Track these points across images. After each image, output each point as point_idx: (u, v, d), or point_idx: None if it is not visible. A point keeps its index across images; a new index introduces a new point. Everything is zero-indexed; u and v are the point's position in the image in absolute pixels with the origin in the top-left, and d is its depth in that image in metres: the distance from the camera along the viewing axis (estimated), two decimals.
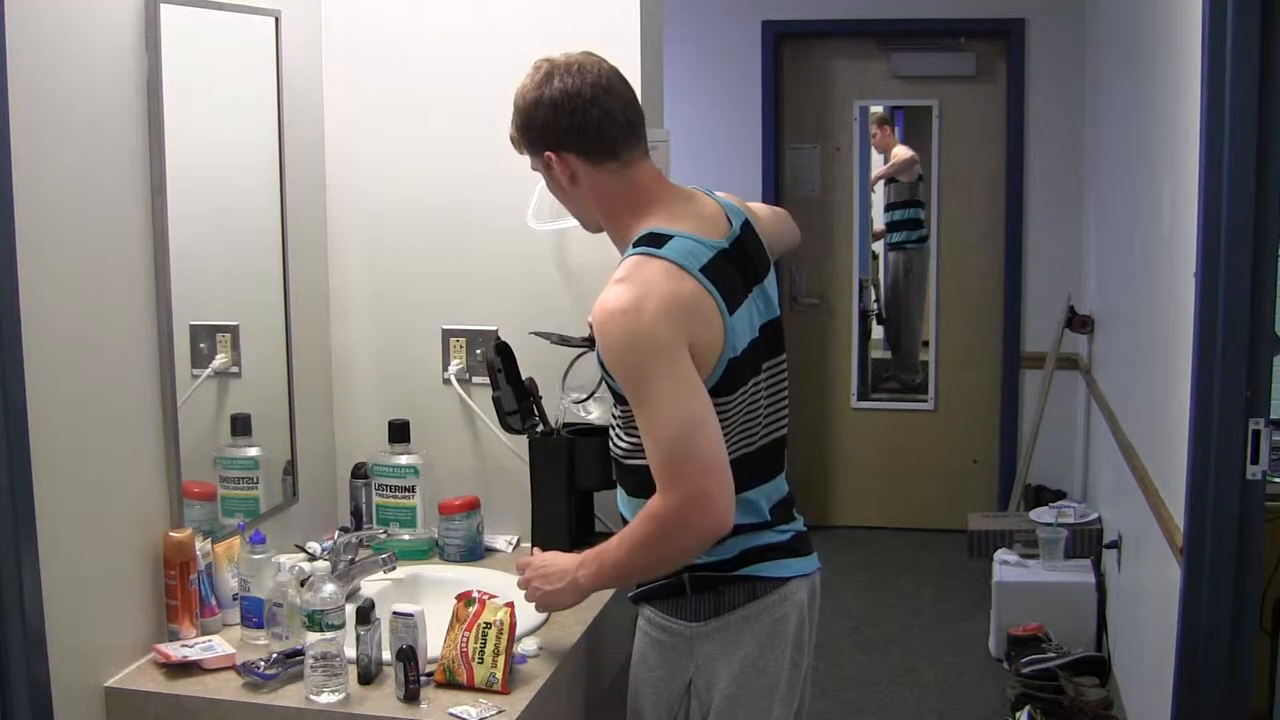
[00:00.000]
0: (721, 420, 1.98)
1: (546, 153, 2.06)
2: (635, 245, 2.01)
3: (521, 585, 2.19)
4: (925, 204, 6.13)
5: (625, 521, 2.12)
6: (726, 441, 1.99)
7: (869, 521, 6.02)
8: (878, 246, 6.47)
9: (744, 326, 2.04)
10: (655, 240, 2.00)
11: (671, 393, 1.92)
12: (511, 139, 2.12)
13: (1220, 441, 2.54)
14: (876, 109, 6.10)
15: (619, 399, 2.06)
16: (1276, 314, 2.59)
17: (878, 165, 6.29)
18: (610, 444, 2.16)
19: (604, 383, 2.09)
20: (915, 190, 6.20)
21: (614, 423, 2.14)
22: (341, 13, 2.78)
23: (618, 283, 1.96)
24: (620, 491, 2.17)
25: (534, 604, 2.18)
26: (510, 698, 2.07)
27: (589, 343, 2.40)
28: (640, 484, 2.05)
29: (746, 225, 2.13)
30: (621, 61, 2.62)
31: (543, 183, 2.64)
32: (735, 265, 2.06)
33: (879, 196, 6.37)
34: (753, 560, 2.10)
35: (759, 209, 2.30)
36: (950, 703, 4.25)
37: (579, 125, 2.03)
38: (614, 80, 2.06)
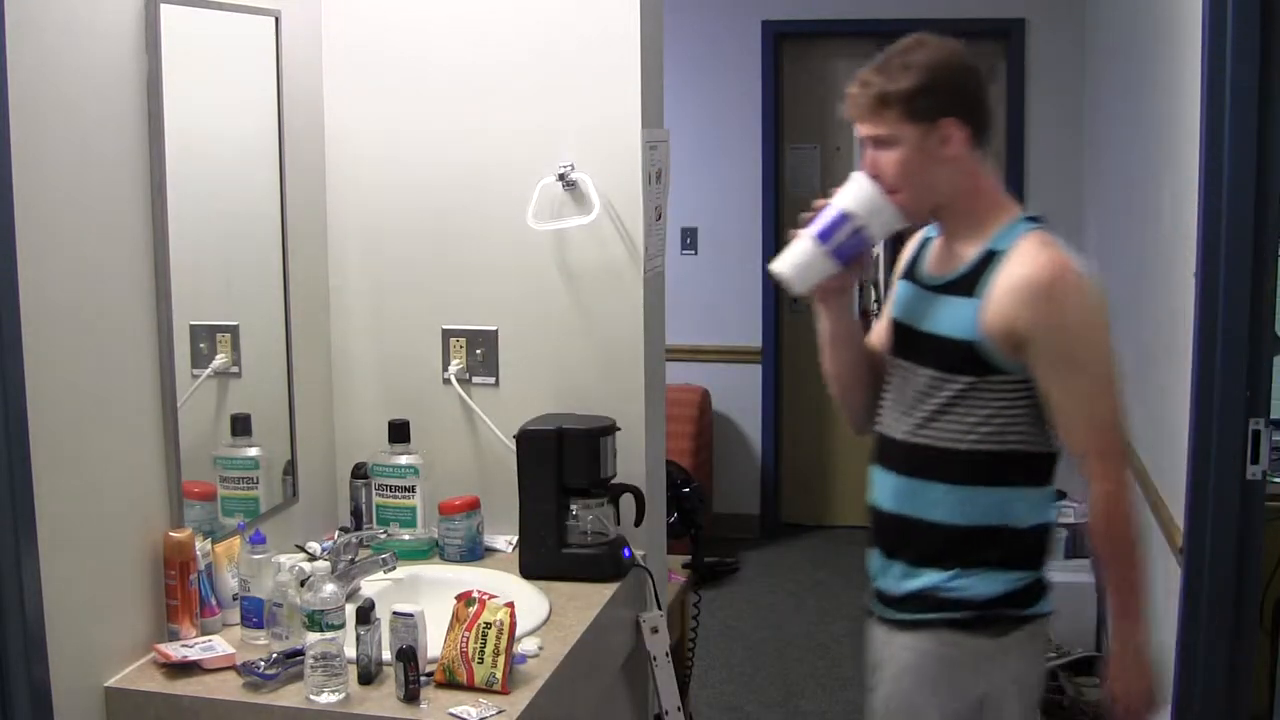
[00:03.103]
0: None
1: (945, 119, 2.01)
2: (1029, 222, 2.04)
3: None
4: None
5: (928, 526, 2.06)
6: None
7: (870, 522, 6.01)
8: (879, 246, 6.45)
9: None
10: (1043, 223, 2.05)
11: (1108, 360, 1.98)
12: (877, 99, 2.01)
13: (1220, 441, 2.54)
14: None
15: (978, 371, 1.99)
16: (1276, 314, 2.59)
17: None
18: (928, 430, 2.05)
19: (945, 356, 2.02)
20: None
21: (937, 402, 2.03)
22: (341, 13, 2.78)
23: (1047, 248, 1.98)
24: (930, 488, 2.06)
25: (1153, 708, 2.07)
26: (510, 698, 2.07)
27: None
28: (976, 470, 2.02)
29: None
30: (622, 61, 2.65)
31: (543, 182, 2.67)
32: None
33: None
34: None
35: None
36: None
37: (983, 103, 2.10)
38: None
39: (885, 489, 2.13)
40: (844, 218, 2.09)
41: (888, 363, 2.16)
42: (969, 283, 2.01)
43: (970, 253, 2.03)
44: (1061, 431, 1.99)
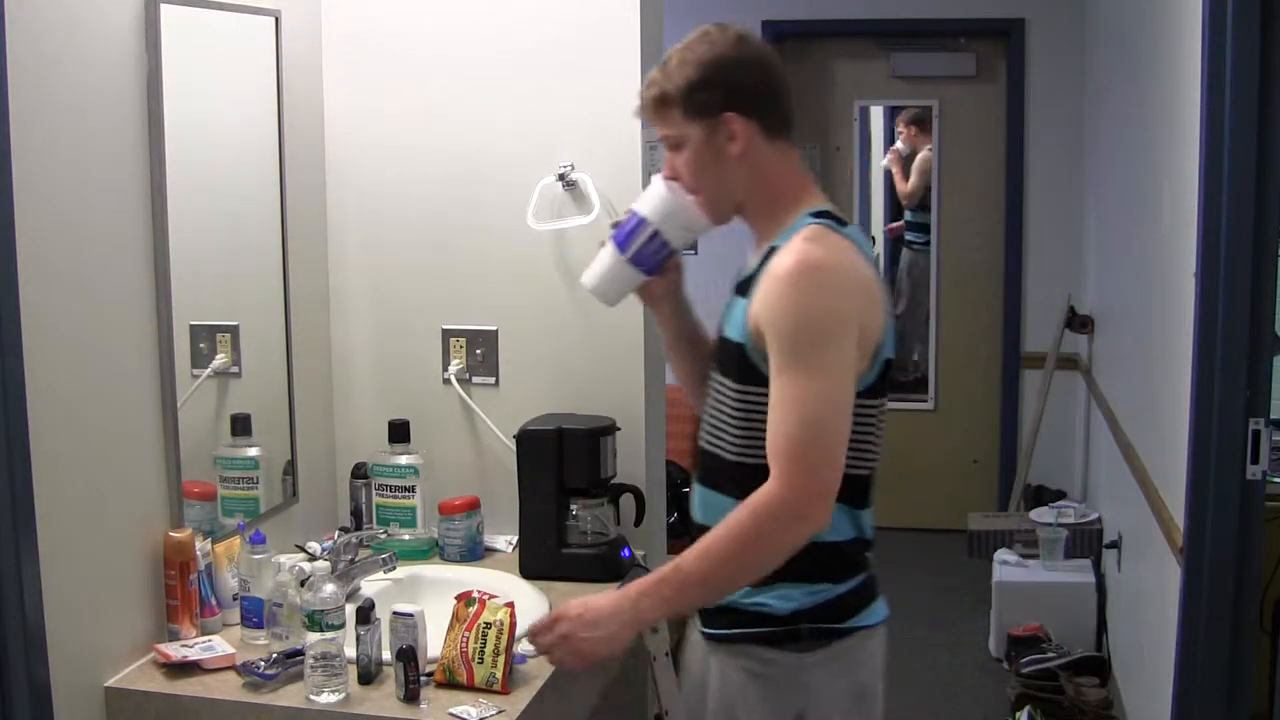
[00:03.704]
0: (872, 425, 1.92)
1: (727, 114, 1.92)
2: (813, 217, 1.92)
3: (553, 645, 1.92)
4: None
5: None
6: (866, 454, 1.92)
7: None
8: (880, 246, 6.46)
9: (891, 336, 1.95)
10: (833, 218, 1.93)
11: (834, 368, 1.81)
12: (658, 99, 1.95)
13: (1220, 441, 2.53)
14: (915, 109, 6.10)
15: (747, 379, 1.90)
16: (1276, 314, 2.59)
17: (884, 167, 6.25)
18: (717, 440, 1.98)
19: (727, 361, 1.94)
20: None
21: (722, 409, 1.96)
22: (341, 12, 2.78)
23: (807, 242, 1.85)
24: (719, 499, 1.96)
25: (574, 663, 1.92)
26: (510, 698, 2.07)
27: None
28: (751, 485, 1.88)
29: None
30: (621, 61, 2.65)
31: (543, 182, 2.67)
32: None
33: (880, 195, 6.36)
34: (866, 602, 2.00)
35: None
36: (950, 703, 4.25)
37: (771, 93, 1.98)
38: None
39: (694, 499, 2.06)
40: (640, 224, 2.03)
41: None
42: (750, 282, 1.93)
43: (762, 251, 1.96)
44: (767, 432, 1.84)
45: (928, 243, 6.19)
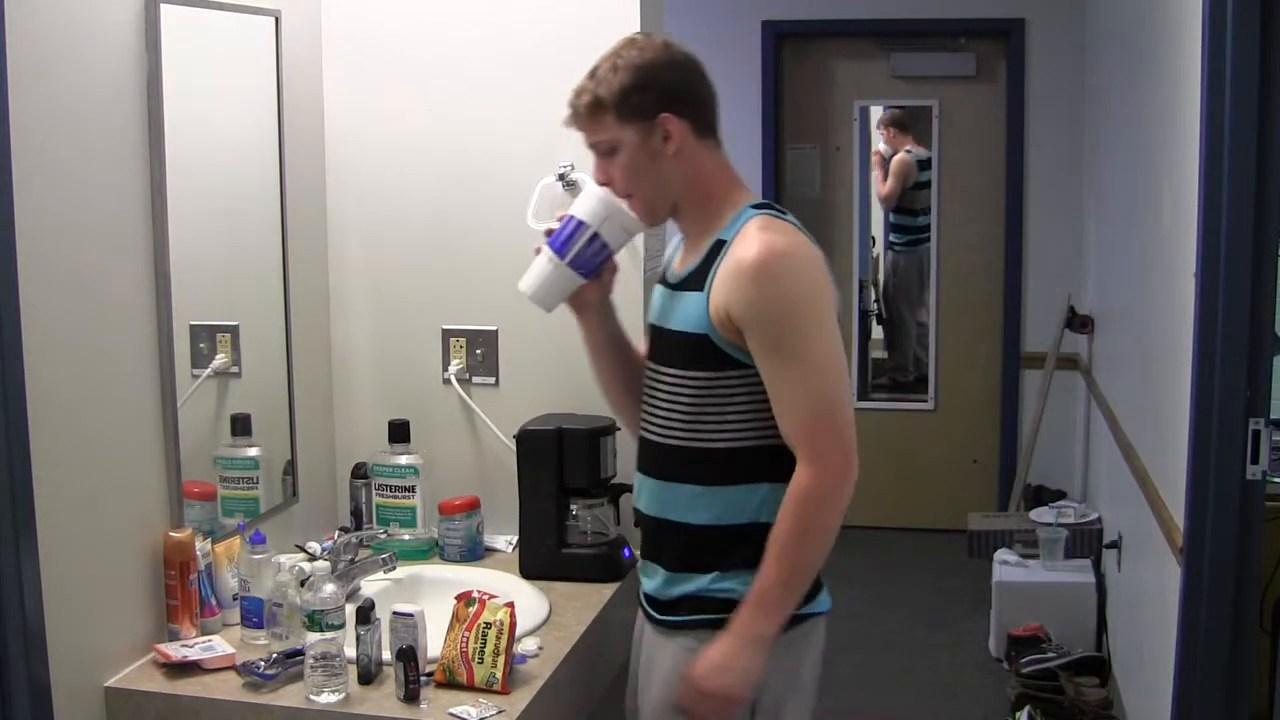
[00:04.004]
0: None
1: (662, 115, 1.96)
2: (755, 208, 1.99)
3: (702, 707, 1.97)
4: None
5: (674, 527, 2.03)
6: None
7: (869, 521, 5.98)
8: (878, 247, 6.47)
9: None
10: (773, 208, 2.01)
11: (826, 346, 1.90)
12: (591, 105, 1.99)
13: (1220, 441, 2.53)
14: (894, 110, 6.11)
15: (715, 366, 1.96)
16: (1276, 314, 2.59)
17: (877, 173, 6.25)
18: (671, 431, 2.03)
19: (681, 353, 1.99)
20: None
21: (682, 402, 2.01)
22: (341, 12, 2.78)
23: (765, 231, 1.92)
24: (679, 490, 2.04)
25: (727, 709, 1.96)
26: (510, 698, 2.07)
27: None
28: (722, 469, 1.97)
29: None
30: None
31: (543, 182, 2.67)
32: None
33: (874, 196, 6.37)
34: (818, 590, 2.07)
35: None
36: (950, 703, 4.25)
37: (700, 93, 2.02)
38: None
39: (643, 492, 2.11)
40: (578, 228, 2.08)
41: (646, 367, 2.12)
42: (700, 276, 1.98)
43: (704, 246, 2.00)
44: (777, 420, 1.93)
45: (909, 243, 6.22)
